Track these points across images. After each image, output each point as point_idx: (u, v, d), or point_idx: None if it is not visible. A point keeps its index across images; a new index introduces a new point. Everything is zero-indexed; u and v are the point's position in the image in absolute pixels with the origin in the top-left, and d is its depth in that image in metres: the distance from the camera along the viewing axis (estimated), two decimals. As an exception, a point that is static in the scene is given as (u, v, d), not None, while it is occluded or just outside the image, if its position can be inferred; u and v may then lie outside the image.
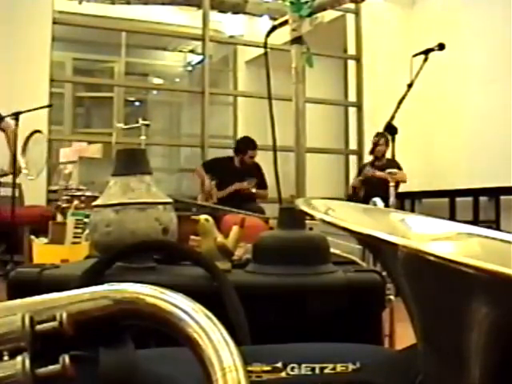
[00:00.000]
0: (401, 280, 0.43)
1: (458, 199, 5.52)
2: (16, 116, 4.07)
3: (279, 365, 0.59)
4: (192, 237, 1.12)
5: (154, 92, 8.76)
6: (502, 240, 0.51)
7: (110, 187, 1.05)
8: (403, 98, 2.95)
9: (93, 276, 0.84)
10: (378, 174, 4.03)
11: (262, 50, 2.22)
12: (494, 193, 5.20)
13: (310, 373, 0.59)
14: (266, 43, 1.67)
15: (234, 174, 5.27)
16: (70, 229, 3.42)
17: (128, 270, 0.97)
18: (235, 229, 1.03)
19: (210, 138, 5.95)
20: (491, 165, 5.04)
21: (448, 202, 5.56)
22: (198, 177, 5.50)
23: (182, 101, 8.35)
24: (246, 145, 5.29)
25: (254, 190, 5.20)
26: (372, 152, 4.79)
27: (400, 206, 5.02)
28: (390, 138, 3.03)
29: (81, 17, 6.08)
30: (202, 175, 5.37)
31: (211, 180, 5.30)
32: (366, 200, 4.01)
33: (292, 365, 0.59)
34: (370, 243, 0.45)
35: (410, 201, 5.86)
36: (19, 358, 0.40)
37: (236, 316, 0.79)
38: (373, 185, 4.58)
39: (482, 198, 5.35)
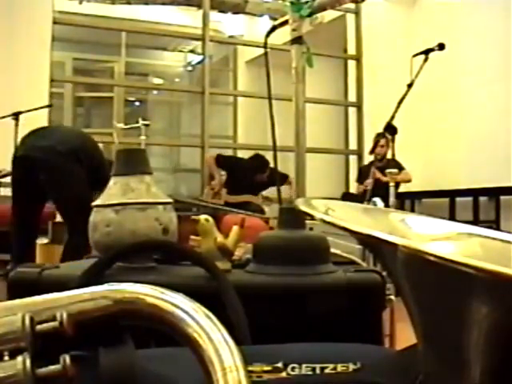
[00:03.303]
0: (401, 280, 0.43)
1: (458, 199, 5.52)
2: (16, 116, 4.07)
3: (280, 365, 0.59)
4: (192, 237, 1.12)
5: (154, 92, 8.76)
6: (502, 240, 0.51)
7: (110, 187, 1.05)
8: (403, 97, 2.95)
9: (93, 276, 0.84)
10: (385, 179, 4.03)
11: (262, 50, 2.21)
12: (494, 193, 5.20)
13: (310, 373, 0.59)
14: (265, 43, 1.67)
15: (246, 178, 5.14)
16: (70, 229, 3.41)
17: (128, 269, 0.97)
18: (235, 229, 1.03)
19: (210, 138, 5.95)
20: (491, 165, 5.04)
21: (448, 202, 5.55)
22: (207, 167, 5.39)
23: (182, 101, 8.36)
24: (254, 170, 5.12)
25: (266, 209, 5.04)
26: (372, 152, 4.79)
27: (400, 206, 5.01)
28: (390, 138, 3.04)
29: (81, 17, 6.09)
30: (212, 168, 5.27)
31: (221, 176, 5.20)
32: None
33: (292, 365, 0.59)
34: (370, 243, 0.45)
35: (409, 201, 5.85)
36: (20, 358, 0.39)
37: (236, 316, 0.79)
38: (374, 185, 4.57)
39: (482, 198, 5.35)
